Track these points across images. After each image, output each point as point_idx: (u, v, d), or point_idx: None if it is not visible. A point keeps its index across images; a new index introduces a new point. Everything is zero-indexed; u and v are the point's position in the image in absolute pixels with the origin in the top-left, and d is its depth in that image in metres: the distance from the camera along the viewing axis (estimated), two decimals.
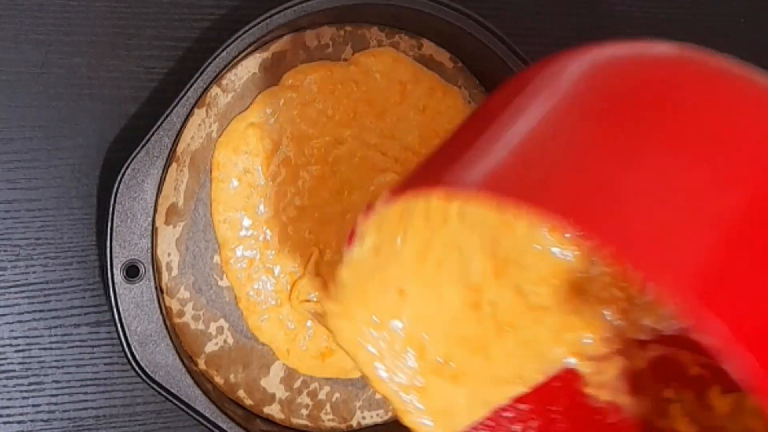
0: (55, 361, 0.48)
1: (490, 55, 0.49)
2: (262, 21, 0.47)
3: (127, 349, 0.45)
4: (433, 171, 0.35)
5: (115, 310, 0.45)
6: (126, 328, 0.45)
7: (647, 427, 0.42)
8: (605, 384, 0.42)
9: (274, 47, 0.50)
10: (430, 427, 0.41)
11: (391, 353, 0.41)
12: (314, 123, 0.50)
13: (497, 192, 0.28)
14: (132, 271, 0.45)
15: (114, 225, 0.45)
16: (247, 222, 0.49)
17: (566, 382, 0.43)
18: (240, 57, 0.48)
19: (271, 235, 0.50)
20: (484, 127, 0.33)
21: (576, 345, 0.43)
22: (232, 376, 0.49)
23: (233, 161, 0.49)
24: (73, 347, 0.49)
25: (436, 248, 0.41)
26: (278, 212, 0.50)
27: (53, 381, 0.48)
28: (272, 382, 0.50)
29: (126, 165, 0.45)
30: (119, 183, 0.45)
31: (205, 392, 0.46)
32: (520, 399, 0.43)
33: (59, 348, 0.49)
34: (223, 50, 0.46)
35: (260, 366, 0.50)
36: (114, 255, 0.45)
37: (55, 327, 0.49)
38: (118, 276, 0.45)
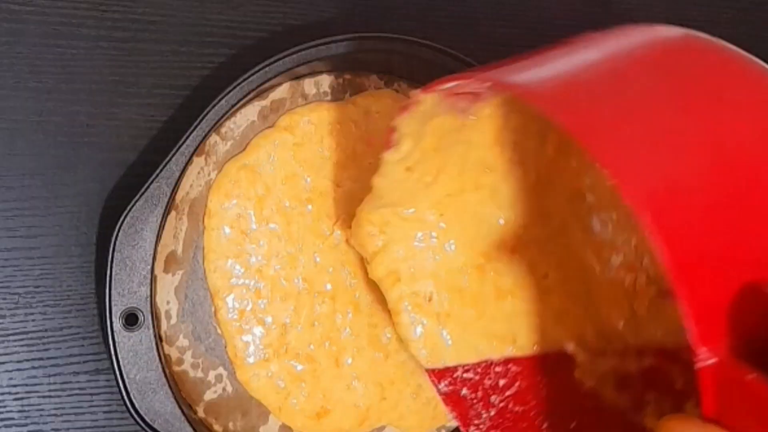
0: (54, 409, 0.48)
1: None
2: (260, 69, 0.47)
3: (126, 397, 0.45)
4: (476, 70, 0.38)
5: (114, 358, 0.45)
6: (125, 376, 0.45)
7: (619, 415, 0.43)
8: (595, 374, 0.44)
9: (273, 95, 0.50)
10: (422, 356, 0.45)
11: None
12: (310, 165, 0.50)
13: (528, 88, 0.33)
14: (131, 319, 0.45)
15: (113, 273, 0.45)
16: (239, 270, 0.49)
17: (559, 359, 0.44)
18: (239, 105, 0.48)
19: (264, 284, 0.49)
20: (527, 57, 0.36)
21: (575, 332, 0.44)
22: (231, 424, 0.49)
23: (225, 207, 0.48)
24: (72, 395, 0.49)
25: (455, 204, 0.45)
26: (271, 259, 0.49)
27: (52, 429, 0.48)
28: (271, 431, 0.50)
29: (125, 213, 0.45)
30: (118, 231, 0.45)
31: None
32: (512, 360, 0.45)
33: (58, 396, 0.49)
34: (222, 98, 0.46)
35: (259, 414, 0.50)
36: (113, 303, 0.45)
37: (54, 375, 0.49)
38: (117, 324, 0.45)
